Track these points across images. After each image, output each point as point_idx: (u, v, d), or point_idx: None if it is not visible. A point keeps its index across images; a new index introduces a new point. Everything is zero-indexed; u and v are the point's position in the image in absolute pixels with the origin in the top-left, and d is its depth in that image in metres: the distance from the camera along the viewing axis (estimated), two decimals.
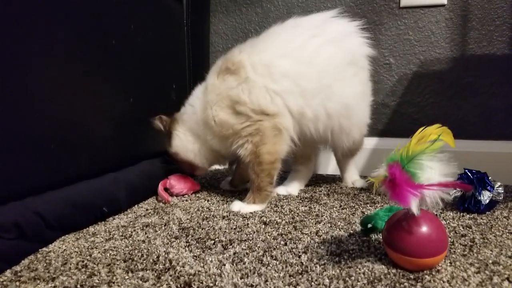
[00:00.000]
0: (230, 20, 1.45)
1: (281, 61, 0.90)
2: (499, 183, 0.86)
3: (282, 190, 1.04)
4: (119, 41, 0.91)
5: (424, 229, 0.58)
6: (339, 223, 0.81)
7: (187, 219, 0.85)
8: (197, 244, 0.71)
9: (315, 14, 1.00)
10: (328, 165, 1.33)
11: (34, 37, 0.69)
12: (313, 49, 0.92)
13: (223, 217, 0.85)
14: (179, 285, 0.57)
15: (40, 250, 0.70)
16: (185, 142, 1.00)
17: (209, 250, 0.68)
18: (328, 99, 0.92)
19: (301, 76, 0.90)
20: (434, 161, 0.56)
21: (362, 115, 1.03)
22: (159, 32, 1.08)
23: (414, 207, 0.54)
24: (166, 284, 0.57)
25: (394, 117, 1.30)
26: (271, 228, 0.78)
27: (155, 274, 0.60)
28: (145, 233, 0.77)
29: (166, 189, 1.02)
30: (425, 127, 0.58)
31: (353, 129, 0.99)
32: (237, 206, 0.90)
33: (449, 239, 0.71)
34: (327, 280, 0.57)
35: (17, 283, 0.58)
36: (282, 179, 1.07)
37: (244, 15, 1.43)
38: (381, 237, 0.70)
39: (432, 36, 1.25)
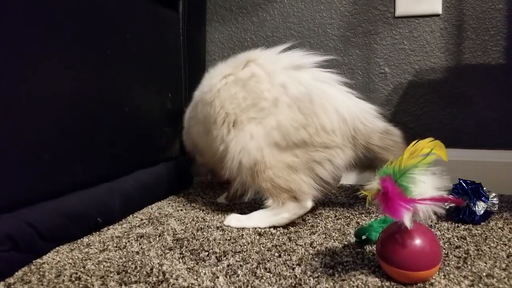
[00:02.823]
0: (226, 29, 1.45)
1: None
2: (493, 194, 0.86)
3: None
4: (114, 50, 0.91)
5: (417, 242, 0.58)
6: (334, 234, 0.81)
7: (182, 229, 0.84)
8: (191, 256, 0.71)
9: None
10: None
11: (28, 46, 0.69)
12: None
13: (218, 228, 0.85)
14: None
15: (34, 261, 0.70)
16: None
17: (203, 262, 0.68)
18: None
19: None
20: (427, 175, 0.56)
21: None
22: (155, 41, 1.08)
23: (406, 220, 0.55)
24: None
25: None
26: (265, 239, 0.78)
27: (148, 287, 0.60)
28: (139, 244, 0.77)
29: None
30: (418, 141, 0.58)
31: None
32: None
33: (444, 250, 0.71)
34: None
35: None
36: None
37: (240, 24, 1.43)
38: (375, 249, 0.70)
39: (427, 45, 1.25)
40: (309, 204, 0.85)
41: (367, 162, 0.92)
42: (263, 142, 0.84)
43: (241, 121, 0.86)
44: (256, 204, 1.03)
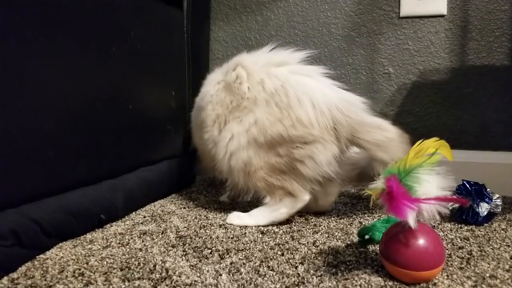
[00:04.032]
0: (230, 28, 1.45)
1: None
2: (497, 195, 0.86)
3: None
4: (119, 48, 0.91)
5: (421, 242, 0.58)
6: (337, 233, 0.80)
7: (185, 227, 0.85)
8: (194, 253, 0.71)
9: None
10: None
11: (32, 44, 0.70)
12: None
13: (221, 226, 0.85)
14: None
15: (37, 257, 0.70)
16: None
17: (205, 260, 0.68)
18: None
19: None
20: (432, 174, 0.56)
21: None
22: (159, 39, 1.08)
23: (411, 220, 0.55)
24: None
25: None
26: (268, 238, 0.78)
27: (152, 284, 0.60)
28: (142, 241, 0.77)
29: None
30: (423, 140, 0.58)
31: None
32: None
33: (447, 251, 0.71)
34: None
35: None
36: None
37: (244, 23, 1.43)
38: (378, 248, 0.70)
39: (431, 46, 1.25)
40: (306, 196, 0.85)
41: (362, 172, 0.91)
42: (243, 140, 0.86)
43: (228, 121, 0.89)
44: (258, 202, 1.03)
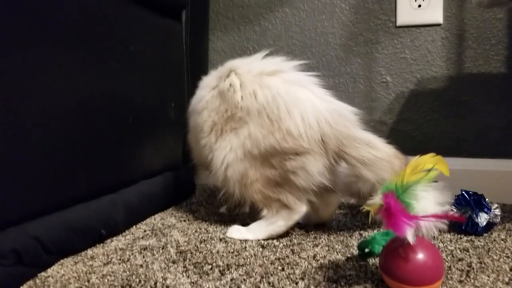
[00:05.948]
0: (228, 38, 1.46)
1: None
2: (496, 205, 0.86)
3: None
4: (118, 62, 0.92)
5: (420, 256, 0.58)
6: (337, 246, 0.81)
7: (185, 241, 0.85)
8: (195, 269, 0.71)
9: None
10: None
11: (31, 57, 0.70)
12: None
13: (221, 240, 0.86)
14: None
15: (38, 275, 0.70)
16: None
17: (206, 276, 0.68)
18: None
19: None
20: (429, 191, 0.56)
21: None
22: (158, 51, 1.09)
23: (409, 236, 0.55)
24: None
25: (392, 135, 1.31)
26: (268, 252, 0.78)
27: None
28: (143, 257, 0.77)
29: None
30: (420, 156, 0.59)
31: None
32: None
33: (446, 263, 0.71)
34: None
35: None
36: None
37: (242, 33, 1.44)
38: (378, 262, 0.70)
39: (428, 55, 1.26)
40: (303, 208, 0.85)
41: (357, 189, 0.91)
42: (240, 153, 0.86)
43: (225, 131, 0.88)
44: (257, 214, 1.03)
